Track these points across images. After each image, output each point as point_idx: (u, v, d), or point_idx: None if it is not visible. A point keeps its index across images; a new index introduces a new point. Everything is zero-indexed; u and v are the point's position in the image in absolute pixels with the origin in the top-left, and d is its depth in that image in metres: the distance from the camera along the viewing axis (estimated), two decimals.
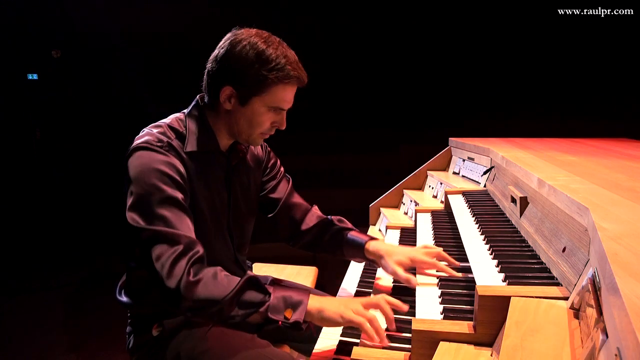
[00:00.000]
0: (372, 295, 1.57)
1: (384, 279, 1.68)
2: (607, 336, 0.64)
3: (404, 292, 1.46)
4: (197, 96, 1.49)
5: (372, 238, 1.62)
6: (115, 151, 1.37)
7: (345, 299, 1.27)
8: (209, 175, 1.45)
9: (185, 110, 1.48)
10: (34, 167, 5.83)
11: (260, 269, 2.35)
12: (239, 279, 1.24)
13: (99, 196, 5.34)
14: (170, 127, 1.41)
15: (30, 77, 5.78)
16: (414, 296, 1.32)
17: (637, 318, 0.52)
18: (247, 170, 1.60)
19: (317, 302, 1.23)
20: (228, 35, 1.40)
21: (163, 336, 1.44)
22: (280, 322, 1.21)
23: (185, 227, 1.28)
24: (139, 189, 1.28)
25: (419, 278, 1.43)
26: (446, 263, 1.46)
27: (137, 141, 1.35)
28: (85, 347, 3.15)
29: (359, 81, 6.63)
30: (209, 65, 1.41)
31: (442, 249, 1.51)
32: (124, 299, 1.50)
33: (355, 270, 1.85)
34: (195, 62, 1.70)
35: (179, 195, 1.30)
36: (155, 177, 1.28)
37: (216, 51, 1.40)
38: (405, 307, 1.26)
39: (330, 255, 1.70)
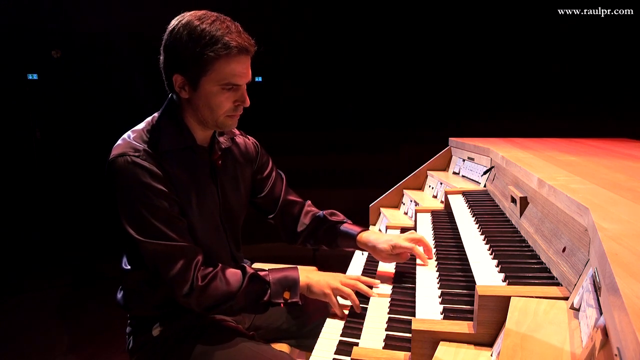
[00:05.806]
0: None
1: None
2: (607, 336, 0.64)
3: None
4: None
5: (363, 230, 1.74)
6: None
7: (329, 275, 1.47)
8: (194, 171, 1.41)
9: (159, 110, 1.44)
10: (34, 167, 5.83)
11: None
12: (240, 273, 1.38)
13: (99, 196, 5.33)
14: (145, 130, 1.38)
15: (30, 77, 5.78)
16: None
17: (637, 318, 0.52)
18: (234, 164, 1.57)
19: (305, 279, 1.43)
20: (171, 22, 1.34)
21: (163, 337, 1.44)
22: (282, 304, 1.39)
23: (181, 234, 1.32)
24: (129, 205, 1.30)
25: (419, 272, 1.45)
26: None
27: (115, 152, 1.32)
28: (85, 347, 3.15)
29: (359, 81, 6.63)
30: (160, 58, 1.37)
31: (424, 236, 1.63)
32: (121, 300, 1.50)
33: (356, 266, 1.88)
34: None
35: (166, 204, 1.31)
36: (141, 193, 1.28)
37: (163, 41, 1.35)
38: (377, 282, 1.54)
39: (327, 247, 1.78)
